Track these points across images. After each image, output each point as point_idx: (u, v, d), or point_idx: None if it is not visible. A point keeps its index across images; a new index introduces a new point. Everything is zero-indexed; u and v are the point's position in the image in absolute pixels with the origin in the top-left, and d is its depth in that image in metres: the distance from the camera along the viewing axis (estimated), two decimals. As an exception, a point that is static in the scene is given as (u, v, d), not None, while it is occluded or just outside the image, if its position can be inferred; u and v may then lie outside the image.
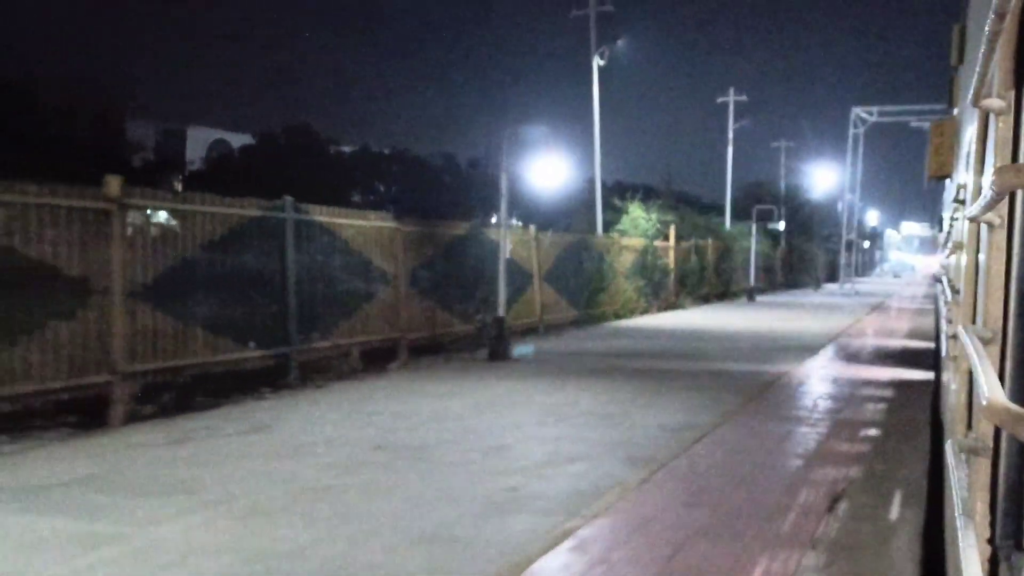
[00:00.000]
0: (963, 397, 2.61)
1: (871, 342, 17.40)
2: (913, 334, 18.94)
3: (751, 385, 11.00)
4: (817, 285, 46.39)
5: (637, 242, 23.49)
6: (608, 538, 5.09)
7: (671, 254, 26.00)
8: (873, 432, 8.25)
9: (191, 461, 6.71)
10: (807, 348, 15.40)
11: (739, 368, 12.72)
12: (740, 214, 38.99)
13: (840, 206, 53.56)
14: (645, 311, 23.19)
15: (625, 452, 7.19)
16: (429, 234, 13.28)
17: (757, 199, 41.28)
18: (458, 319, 13.90)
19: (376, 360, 11.87)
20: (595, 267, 20.12)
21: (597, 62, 23.70)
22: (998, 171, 1.40)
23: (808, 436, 8.06)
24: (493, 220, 22.94)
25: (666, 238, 25.90)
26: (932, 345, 15.45)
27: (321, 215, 10.82)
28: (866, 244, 77.60)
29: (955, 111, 7.65)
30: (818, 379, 11.94)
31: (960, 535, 1.69)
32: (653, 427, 8.24)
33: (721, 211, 39.94)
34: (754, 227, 34.89)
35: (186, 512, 5.43)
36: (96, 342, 7.43)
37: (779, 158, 52.23)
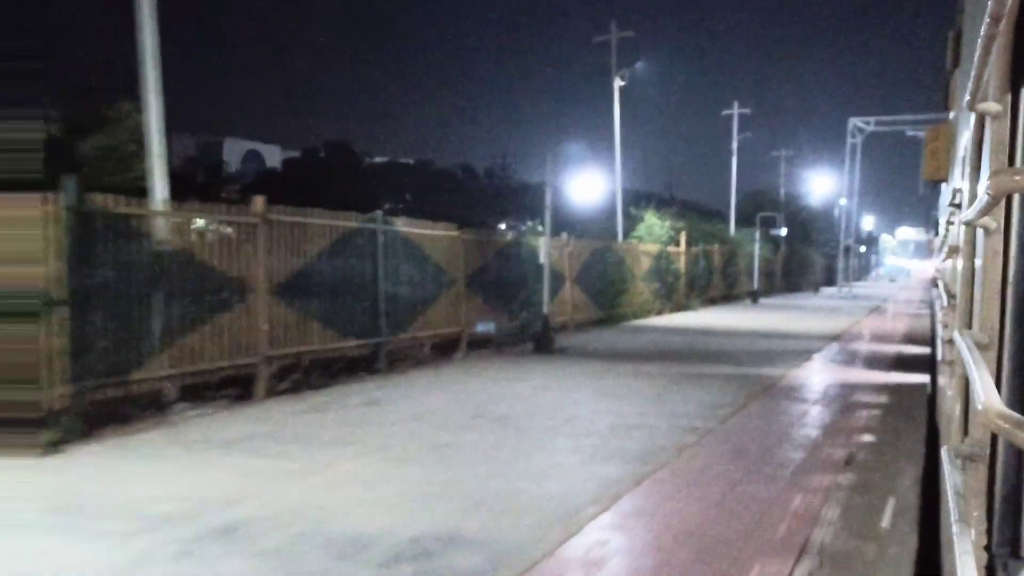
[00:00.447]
0: (959, 403, 2.55)
1: (871, 340, 19.12)
2: (909, 334, 20.63)
3: (769, 374, 12.69)
4: (815, 289, 47.86)
5: (653, 248, 25.11)
6: (678, 479, 6.76)
7: (682, 259, 27.55)
8: (877, 410, 9.94)
9: (332, 424, 8.39)
10: (814, 345, 17.10)
11: (755, 360, 14.40)
12: (742, 220, 40.63)
13: (837, 212, 55.27)
14: (659, 312, 24.85)
15: (675, 422, 8.86)
16: (482, 242, 15.00)
17: (759, 206, 43.04)
18: (504, 316, 15.60)
19: (439, 351, 13.57)
20: (617, 271, 21.80)
21: (617, 83, 25.43)
22: (994, 175, 1.40)
23: (823, 412, 9.75)
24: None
25: (677, 244, 27.50)
26: (927, 344, 17.10)
27: (401, 226, 12.52)
28: (862, 249, 79.17)
29: (951, 115, 7.95)
30: (827, 370, 13.63)
31: (956, 542, 1.68)
32: (692, 404, 9.92)
33: (723, 217, 41.58)
34: (758, 233, 36.53)
35: (350, 458, 7.08)
36: (247, 331, 9.12)
37: (779, 166, 54.06)
